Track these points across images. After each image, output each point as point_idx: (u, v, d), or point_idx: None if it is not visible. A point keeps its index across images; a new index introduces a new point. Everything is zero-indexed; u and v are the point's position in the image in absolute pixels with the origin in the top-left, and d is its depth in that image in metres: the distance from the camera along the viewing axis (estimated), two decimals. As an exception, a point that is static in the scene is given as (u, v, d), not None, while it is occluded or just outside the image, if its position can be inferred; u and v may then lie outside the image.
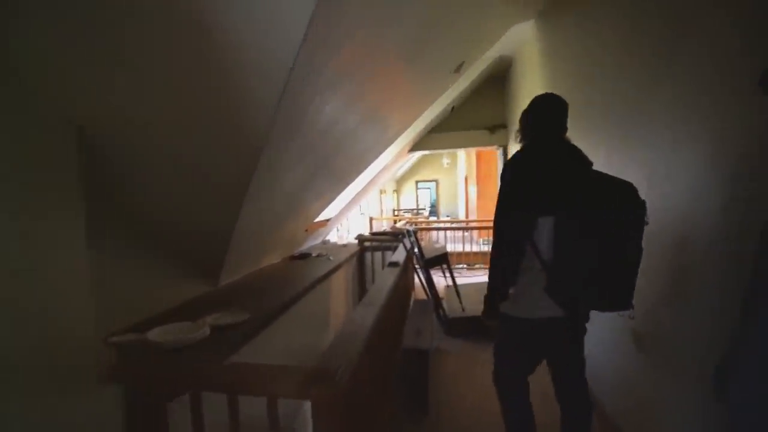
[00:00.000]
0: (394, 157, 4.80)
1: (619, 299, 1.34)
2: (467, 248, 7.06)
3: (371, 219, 9.24)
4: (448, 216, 14.42)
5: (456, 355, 2.95)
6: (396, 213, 14.24)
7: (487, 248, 6.86)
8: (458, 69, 2.96)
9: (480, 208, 9.37)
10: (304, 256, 3.49)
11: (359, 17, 1.36)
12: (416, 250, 3.24)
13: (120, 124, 1.28)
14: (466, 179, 11.55)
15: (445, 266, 3.37)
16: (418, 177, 15.59)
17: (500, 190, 1.50)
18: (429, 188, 17.02)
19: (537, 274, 1.42)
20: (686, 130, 1.46)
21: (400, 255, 3.25)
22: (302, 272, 2.93)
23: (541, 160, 1.45)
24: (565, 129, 1.53)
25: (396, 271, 2.65)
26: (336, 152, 2.41)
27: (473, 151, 9.24)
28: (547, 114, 1.53)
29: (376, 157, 3.77)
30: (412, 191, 16.18)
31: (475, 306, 3.39)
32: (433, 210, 15.73)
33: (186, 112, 1.26)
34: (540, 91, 1.59)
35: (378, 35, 1.65)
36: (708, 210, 1.34)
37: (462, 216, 13.21)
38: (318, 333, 3.09)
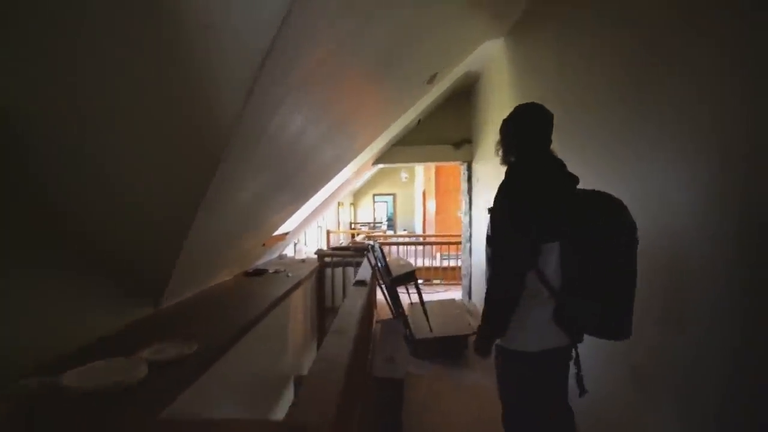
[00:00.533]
0: (357, 170, 4.64)
1: (622, 325, 1.25)
2: (427, 263, 7.01)
3: (328, 232, 8.96)
4: (405, 230, 14.42)
5: (425, 380, 2.79)
6: (353, 226, 14.01)
7: (447, 263, 6.84)
8: (431, 80, 2.88)
9: (439, 222, 9.41)
10: (260, 272, 3.19)
11: (329, 27, 1.24)
12: (381, 266, 3.07)
13: (42, 112, 1.00)
14: (424, 194, 11.63)
15: (412, 284, 3.23)
16: (376, 190, 15.51)
17: (499, 217, 1.35)
18: (386, 202, 17.01)
19: (544, 302, 1.30)
20: (674, 147, 1.43)
21: (366, 273, 3.06)
22: (259, 291, 2.64)
23: (539, 181, 1.34)
24: (551, 141, 1.45)
25: (364, 291, 2.45)
26: (300, 165, 2.23)
27: (432, 165, 9.31)
28: (536, 126, 1.42)
29: (341, 169, 3.60)
30: (370, 204, 16.06)
31: (440, 325, 3.27)
32: (390, 224, 15.68)
33: (129, 108, 1.02)
34: (510, 108, 1.49)
35: (349, 45, 1.54)
36: (698, 231, 1.29)
37: (419, 230, 13.27)
38: (277, 362, 2.80)
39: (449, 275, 6.64)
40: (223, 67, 1.03)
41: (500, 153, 1.53)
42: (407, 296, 4.08)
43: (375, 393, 1.96)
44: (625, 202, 1.29)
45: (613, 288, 1.24)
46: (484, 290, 1.40)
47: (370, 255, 3.41)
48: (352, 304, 2.10)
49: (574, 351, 1.37)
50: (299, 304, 3.51)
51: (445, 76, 3.22)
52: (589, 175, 1.91)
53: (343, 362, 1.34)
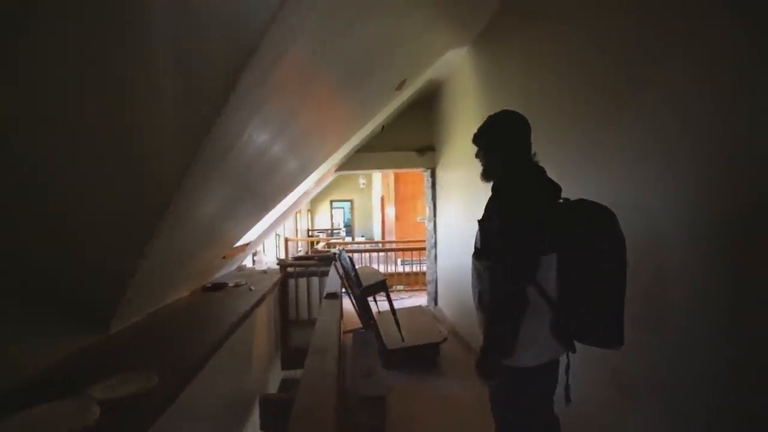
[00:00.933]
0: (321, 177, 4.50)
1: (617, 333, 1.24)
2: (390, 269, 6.96)
3: (287, 240, 8.65)
4: (363, 236, 14.32)
5: (400, 392, 2.70)
6: (310, 234, 13.69)
7: (409, 268, 6.83)
8: (400, 86, 2.83)
9: (398, 229, 9.42)
10: (220, 286, 2.96)
11: (298, 37, 1.16)
12: (352, 275, 2.96)
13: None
14: (382, 200, 11.62)
15: (383, 294, 3.15)
16: (333, 196, 15.29)
17: (498, 229, 1.27)
18: (343, 208, 16.82)
19: (541, 315, 1.26)
20: (642, 148, 1.47)
21: (335, 283, 2.94)
22: (221, 308, 2.44)
23: (533, 189, 1.31)
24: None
25: (337, 304, 2.33)
26: (267, 175, 2.11)
27: (391, 172, 9.33)
28: (522, 132, 1.40)
29: (307, 177, 3.46)
30: (327, 211, 15.80)
31: (410, 334, 3.20)
32: (348, 230, 15.51)
33: (82, 112, 0.87)
34: (477, 117, 1.49)
35: (317, 54, 1.47)
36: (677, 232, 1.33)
37: (377, 236, 13.23)
38: (241, 382, 2.59)
39: (412, 281, 6.64)
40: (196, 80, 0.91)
41: (485, 164, 1.45)
42: (374, 304, 3.99)
43: (356, 412, 1.84)
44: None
45: (607, 296, 1.23)
46: (479, 307, 1.34)
47: (338, 264, 3.29)
48: (328, 320, 1.97)
49: (566, 359, 1.35)
50: (263, 319, 3.31)
51: (412, 82, 3.20)
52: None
53: (331, 388, 1.22)
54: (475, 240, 1.41)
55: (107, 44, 0.81)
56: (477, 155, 1.48)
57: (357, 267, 3.19)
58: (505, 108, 1.48)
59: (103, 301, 1.57)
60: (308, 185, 4.26)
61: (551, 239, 1.26)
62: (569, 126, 2.00)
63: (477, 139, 1.46)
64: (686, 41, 1.30)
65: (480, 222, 1.37)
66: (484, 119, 1.46)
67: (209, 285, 2.95)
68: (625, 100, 1.59)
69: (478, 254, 1.38)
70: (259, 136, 1.55)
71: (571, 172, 1.91)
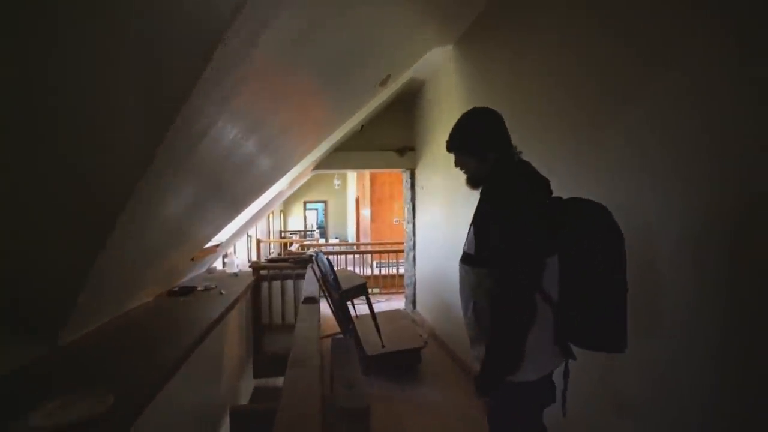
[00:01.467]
0: (297, 176, 4.34)
1: (621, 335, 1.17)
2: (367, 272, 6.84)
3: (259, 242, 8.37)
4: (337, 238, 14.13)
5: (382, 401, 2.59)
6: (283, 235, 13.37)
7: (385, 271, 6.73)
8: (384, 82, 2.73)
9: (374, 230, 9.31)
10: (188, 290, 2.75)
11: (271, 25, 1.05)
12: (331, 278, 2.82)
13: None
14: (357, 201, 11.48)
15: (363, 298, 3.03)
16: (307, 197, 15.00)
17: (501, 230, 1.17)
18: (317, 209, 16.54)
19: (547, 323, 1.17)
20: (639, 152, 1.44)
21: (312, 287, 2.79)
22: (188, 315, 2.25)
23: (530, 184, 1.23)
24: None
25: (316, 309, 2.20)
26: (237, 173, 1.96)
27: (367, 172, 9.22)
28: (502, 127, 1.31)
29: (282, 176, 3.31)
30: (300, 212, 15.50)
31: (390, 339, 3.10)
32: (322, 231, 15.27)
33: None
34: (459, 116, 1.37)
35: (296, 45, 1.36)
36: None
37: (351, 238, 13.06)
38: (210, 394, 2.41)
39: (388, 283, 6.54)
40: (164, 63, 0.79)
41: (471, 169, 1.33)
42: (352, 308, 3.86)
43: (338, 425, 1.71)
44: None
45: (608, 296, 1.17)
46: (475, 317, 1.22)
47: (315, 266, 3.14)
48: (307, 327, 1.84)
49: (565, 366, 1.28)
50: (234, 325, 3.12)
51: (396, 78, 3.11)
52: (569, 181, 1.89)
53: (314, 402, 1.10)
54: (466, 245, 1.29)
55: (66, 29, 0.67)
56: (457, 163, 1.34)
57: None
58: (492, 104, 1.39)
59: (51, 308, 1.38)
60: (283, 185, 4.09)
61: (556, 239, 1.18)
62: (558, 126, 1.96)
63: (457, 145, 1.32)
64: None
65: (476, 226, 1.26)
66: (453, 131, 1.33)
67: (176, 289, 2.74)
68: (616, 97, 1.56)
69: (471, 261, 1.26)
70: (231, 131, 1.41)
71: (563, 172, 1.87)
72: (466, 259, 1.28)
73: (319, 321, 1.96)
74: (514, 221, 1.15)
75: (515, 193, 1.19)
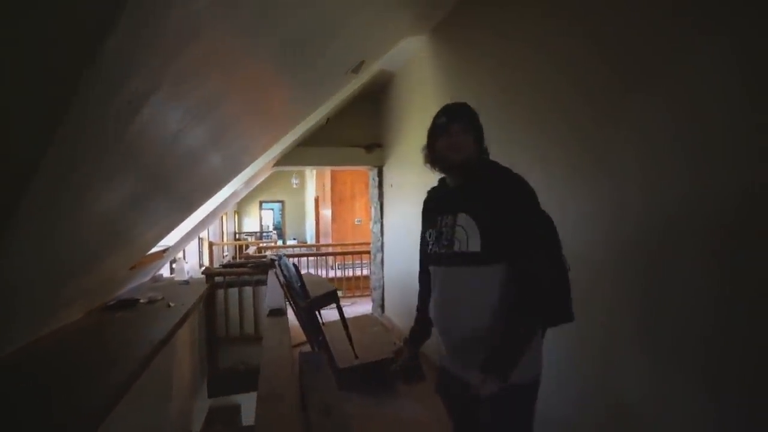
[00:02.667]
0: (256, 174, 3.98)
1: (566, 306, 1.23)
2: (323, 274, 6.53)
3: (211, 245, 7.78)
4: (294, 239, 13.62)
5: (359, 420, 2.33)
6: (238, 237, 12.67)
7: (348, 273, 6.47)
8: (357, 69, 2.49)
9: (336, 231, 9.00)
10: (128, 303, 2.35)
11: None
12: (298, 286, 2.53)
13: None
14: (317, 200, 11.10)
15: (333, 306, 2.76)
16: (263, 197, 14.35)
17: (537, 215, 1.17)
18: (273, 209, 15.88)
19: None
20: (618, 138, 1.32)
21: (277, 296, 2.49)
22: (129, 334, 1.89)
23: None
24: None
25: (284, 323, 1.92)
26: (181, 169, 1.66)
27: (327, 171, 8.89)
28: None
29: (237, 174, 2.97)
30: (256, 212, 14.81)
31: (363, 348, 2.86)
32: (279, 233, 14.67)
33: None
34: (435, 112, 1.24)
35: (249, 29, 1.16)
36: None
37: (310, 239, 12.62)
38: (158, 424, 2.05)
39: (352, 286, 6.29)
40: None
41: (470, 145, 1.21)
42: (318, 314, 3.57)
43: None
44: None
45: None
46: (491, 318, 1.13)
47: (278, 272, 2.83)
48: (276, 348, 1.56)
49: None
50: (186, 340, 2.73)
51: (371, 65, 2.87)
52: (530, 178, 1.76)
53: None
54: (459, 244, 1.15)
55: None
56: (455, 137, 1.19)
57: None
58: (470, 99, 1.29)
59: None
60: (240, 183, 3.72)
61: None
62: (546, 119, 1.82)
63: (467, 120, 1.21)
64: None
65: (489, 221, 1.12)
66: (461, 106, 1.24)
67: (113, 303, 2.33)
68: (607, 88, 1.43)
69: (478, 260, 1.13)
70: (171, 115, 1.13)
71: (559, 168, 1.73)
72: (470, 259, 1.14)
73: (290, 340, 1.68)
74: (534, 203, 1.16)
75: (517, 177, 1.18)
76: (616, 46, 1.46)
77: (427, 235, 1.25)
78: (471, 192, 1.18)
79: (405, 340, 1.43)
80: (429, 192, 1.36)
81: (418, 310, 1.40)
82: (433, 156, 1.23)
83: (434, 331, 1.31)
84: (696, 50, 1.19)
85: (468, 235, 1.13)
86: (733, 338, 1.12)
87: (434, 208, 1.27)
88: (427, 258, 1.27)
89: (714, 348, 1.17)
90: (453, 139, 1.18)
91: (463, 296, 1.17)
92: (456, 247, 1.15)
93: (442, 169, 1.24)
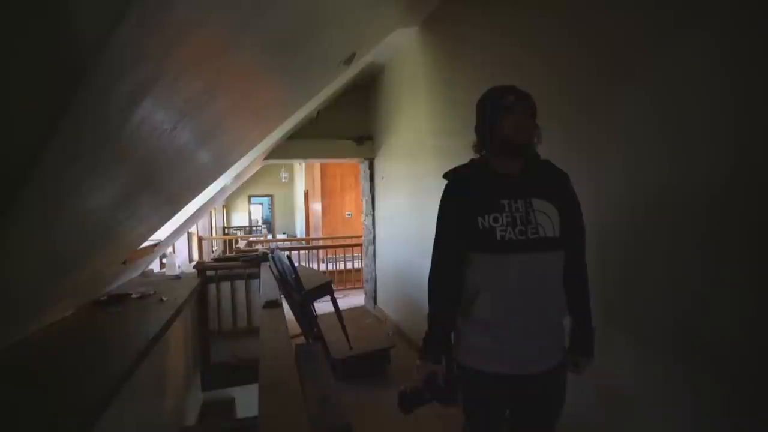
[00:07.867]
0: (246, 167, 3.94)
1: None
2: (315, 267, 6.52)
3: (200, 239, 7.70)
4: (284, 233, 13.54)
5: (356, 411, 2.35)
6: (227, 231, 12.55)
7: (339, 266, 6.47)
8: (349, 61, 2.48)
9: (326, 224, 8.97)
10: (119, 299, 2.33)
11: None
12: (291, 278, 2.53)
13: None
14: (306, 194, 11.03)
15: (328, 298, 2.77)
16: (252, 191, 14.20)
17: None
18: (262, 203, 15.74)
19: None
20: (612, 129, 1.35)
21: (272, 288, 2.49)
22: (121, 329, 1.88)
23: None
24: None
25: (280, 314, 1.92)
26: (172, 164, 1.64)
27: (317, 164, 8.83)
28: None
29: (227, 168, 2.93)
30: (245, 206, 14.66)
31: (357, 339, 2.88)
32: (268, 227, 14.57)
33: None
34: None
35: (247, 19, 1.13)
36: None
37: (300, 233, 12.56)
38: (153, 418, 2.04)
39: (343, 278, 6.29)
40: None
41: (537, 135, 1.21)
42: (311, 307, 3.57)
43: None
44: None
45: None
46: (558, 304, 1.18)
47: (272, 265, 2.82)
48: (275, 339, 1.57)
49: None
50: (179, 335, 2.72)
51: (361, 57, 2.85)
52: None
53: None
54: (542, 230, 1.11)
55: None
56: (531, 128, 1.15)
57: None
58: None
59: None
60: (230, 177, 3.68)
61: None
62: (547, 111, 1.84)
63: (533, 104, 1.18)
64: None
65: (566, 208, 1.16)
66: (523, 92, 1.17)
67: (104, 298, 2.30)
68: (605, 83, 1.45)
69: (557, 245, 1.12)
70: (161, 112, 1.10)
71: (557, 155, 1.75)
72: (554, 244, 1.12)
73: (287, 330, 1.69)
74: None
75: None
76: (601, 40, 1.48)
77: (490, 220, 1.10)
78: (540, 177, 1.16)
79: (426, 356, 1.22)
80: (457, 177, 1.21)
81: (441, 313, 1.20)
82: (494, 136, 1.14)
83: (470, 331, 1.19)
84: (678, 43, 1.22)
85: (552, 221, 1.11)
86: (710, 323, 1.17)
87: (486, 194, 1.13)
88: (493, 246, 1.10)
89: (689, 332, 1.22)
90: (521, 119, 1.12)
91: (549, 283, 1.14)
92: (541, 233, 1.10)
93: (502, 151, 1.14)
